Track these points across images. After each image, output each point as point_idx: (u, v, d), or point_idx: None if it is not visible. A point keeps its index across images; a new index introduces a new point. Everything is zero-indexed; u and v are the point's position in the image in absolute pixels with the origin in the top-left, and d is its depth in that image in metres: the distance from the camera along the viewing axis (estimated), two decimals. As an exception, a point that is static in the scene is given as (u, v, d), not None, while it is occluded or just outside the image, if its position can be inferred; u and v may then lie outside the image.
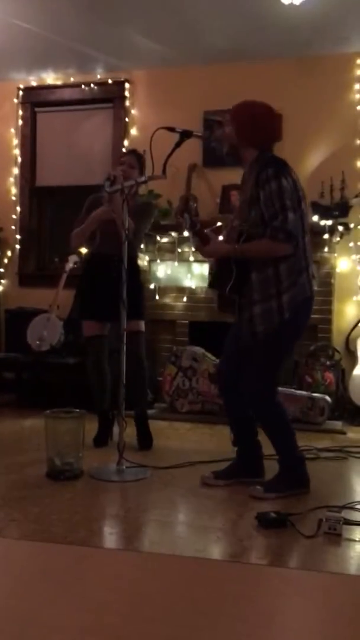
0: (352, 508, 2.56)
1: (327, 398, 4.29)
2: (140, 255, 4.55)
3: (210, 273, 3.06)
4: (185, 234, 4.68)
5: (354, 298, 4.75)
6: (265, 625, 1.67)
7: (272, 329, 2.72)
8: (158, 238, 4.88)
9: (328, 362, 4.51)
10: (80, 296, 3.79)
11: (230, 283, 2.79)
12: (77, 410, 3.05)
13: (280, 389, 4.16)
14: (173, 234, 4.83)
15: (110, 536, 2.30)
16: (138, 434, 3.57)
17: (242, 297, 2.81)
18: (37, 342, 4.63)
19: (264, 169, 2.70)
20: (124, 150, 5.05)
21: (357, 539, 2.28)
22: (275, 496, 2.70)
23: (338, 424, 4.26)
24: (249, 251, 2.75)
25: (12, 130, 5.57)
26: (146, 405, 3.67)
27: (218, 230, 3.10)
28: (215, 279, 2.95)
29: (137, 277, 3.65)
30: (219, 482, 2.89)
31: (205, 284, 4.71)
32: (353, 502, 2.63)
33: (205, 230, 2.94)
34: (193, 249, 4.75)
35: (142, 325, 3.60)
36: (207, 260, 4.62)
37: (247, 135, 2.80)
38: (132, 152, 3.75)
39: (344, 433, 4.11)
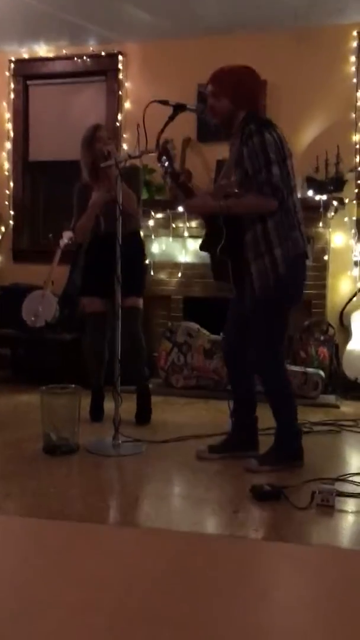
0: (345, 480, 2.60)
1: (321, 372, 4.32)
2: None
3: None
4: (180, 209, 4.65)
5: (348, 273, 4.75)
6: (259, 599, 1.70)
7: (268, 286, 2.71)
8: (152, 213, 4.86)
9: (322, 337, 4.53)
10: (84, 273, 3.78)
11: (220, 244, 2.77)
12: (73, 385, 3.07)
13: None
14: (168, 210, 4.81)
15: (106, 510, 2.33)
16: (136, 409, 3.61)
17: (236, 259, 2.79)
18: (32, 318, 4.63)
19: (246, 125, 2.68)
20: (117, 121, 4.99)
21: (349, 511, 2.32)
22: (270, 469, 2.73)
23: (332, 398, 4.30)
24: (234, 207, 2.72)
25: (4, 104, 5.49)
26: (143, 382, 3.68)
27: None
28: (206, 241, 2.91)
29: (139, 253, 3.63)
30: (213, 455, 2.92)
31: (199, 260, 4.72)
32: (346, 475, 2.66)
33: (195, 188, 2.88)
34: (187, 225, 4.73)
35: (139, 302, 3.59)
36: (201, 236, 4.61)
37: (236, 96, 2.77)
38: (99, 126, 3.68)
39: (337, 407, 4.15)
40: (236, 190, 2.77)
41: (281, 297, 2.76)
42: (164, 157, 2.79)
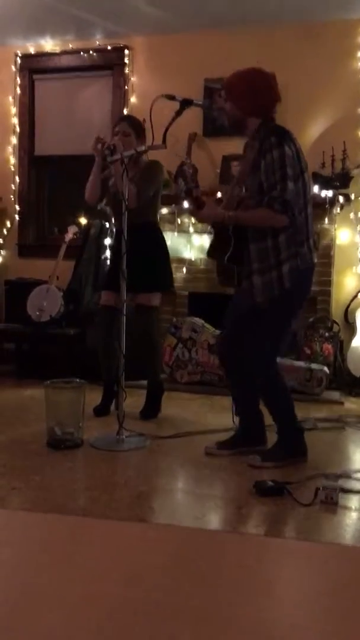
0: (348, 477, 2.60)
1: (325, 369, 4.31)
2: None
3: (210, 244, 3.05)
4: (186, 205, 4.65)
5: (354, 270, 4.74)
6: (262, 595, 1.71)
7: (272, 299, 2.73)
8: (159, 206, 4.84)
9: (327, 334, 4.52)
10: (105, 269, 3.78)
11: (228, 253, 2.78)
12: (77, 380, 3.08)
13: (279, 359, 4.22)
14: (173, 205, 4.80)
15: (110, 504, 2.33)
16: (145, 404, 3.62)
17: (241, 267, 2.81)
18: (37, 313, 4.64)
19: (267, 137, 2.67)
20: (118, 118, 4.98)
21: (353, 507, 2.32)
22: (273, 465, 2.74)
23: (336, 395, 4.30)
24: (244, 219, 2.74)
25: (10, 98, 5.49)
26: (153, 380, 3.67)
27: (218, 202, 3.08)
28: (214, 248, 2.94)
29: (151, 247, 3.54)
30: (222, 452, 2.92)
31: (204, 255, 4.71)
32: (349, 471, 2.66)
33: (205, 198, 2.92)
34: (193, 220, 4.72)
35: (153, 299, 3.54)
36: (207, 231, 4.61)
37: (248, 106, 2.76)
38: (124, 118, 3.67)
39: (341, 403, 4.15)
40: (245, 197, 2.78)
41: (282, 309, 2.78)
42: (181, 180, 2.84)
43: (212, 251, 2.96)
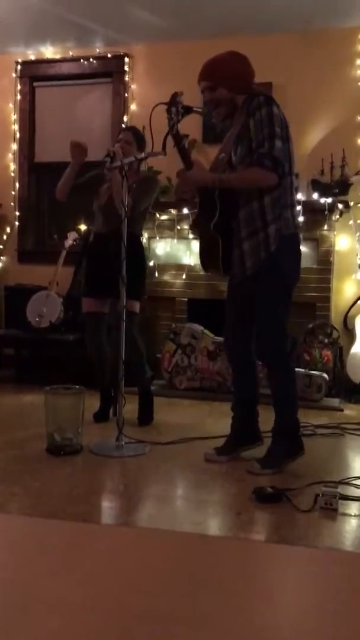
0: (347, 483, 2.60)
1: (325, 375, 4.32)
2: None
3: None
4: (185, 210, 4.66)
5: (353, 276, 4.75)
6: (262, 601, 1.70)
7: (260, 263, 2.68)
8: (157, 215, 4.87)
9: (326, 340, 4.53)
10: (84, 274, 3.80)
11: (214, 219, 2.73)
12: (77, 386, 3.08)
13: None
14: (172, 211, 4.82)
15: (109, 510, 2.33)
16: (138, 411, 3.62)
17: (228, 237, 2.76)
18: (37, 319, 4.65)
19: (255, 98, 2.68)
20: (123, 125, 5.01)
21: (352, 514, 2.32)
22: (273, 472, 2.73)
23: (335, 401, 4.30)
24: (233, 180, 2.70)
25: (11, 105, 5.51)
26: (142, 384, 3.68)
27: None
28: (199, 218, 2.87)
29: (135, 256, 3.56)
30: (221, 458, 2.91)
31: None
32: (349, 478, 2.66)
33: (194, 159, 2.83)
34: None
35: (134, 306, 3.55)
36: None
37: (238, 84, 2.78)
38: (129, 128, 3.73)
39: (340, 410, 4.15)
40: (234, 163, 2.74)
41: (273, 274, 2.71)
42: (173, 109, 2.75)
43: (197, 222, 2.88)
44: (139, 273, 3.61)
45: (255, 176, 2.63)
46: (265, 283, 2.72)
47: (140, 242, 3.72)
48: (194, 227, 2.93)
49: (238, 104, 2.80)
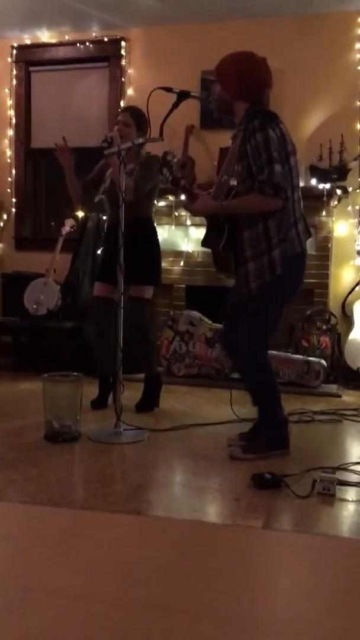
0: (345, 469, 2.61)
1: (323, 362, 4.32)
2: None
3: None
4: (183, 197, 4.63)
5: (351, 262, 4.74)
6: (261, 587, 1.71)
7: (264, 285, 2.70)
8: (155, 202, 4.83)
9: (324, 327, 4.52)
10: (100, 259, 3.82)
11: (222, 241, 2.77)
12: (75, 373, 3.08)
13: (276, 352, 4.23)
14: (170, 197, 4.79)
15: (108, 497, 2.34)
16: (142, 397, 3.63)
17: (236, 254, 2.80)
18: (34, 306, 4.64)
19: (250, 122, 2.65)
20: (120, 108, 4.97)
21: (350, 500, 2.33)
22: (255, 457, 2.73)
23: (333, 388, 4.30)
24: (237, 207, 2.72)
25: (6, 90, 5.46)
26: (149, 373, 3.67)
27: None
28: (208, 237, 2.92)
29: (145, 241, 3.55)
30: (248, 456, 2.79)
31: (201, 248, 4.71)
32: (347, 464, 2.67)
33: (197, 191, 2.90)
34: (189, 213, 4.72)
35: (145, 292, 3.55)
36: (203, 224, 4.60)
37: (236, 89, 2.74)
38: (127, 109, 3.67)
39: (339, 396, 4.15)
40: (232, 184, 2.77)
41: (273, 295, 2.75)
42: (165, 170, 2.81)
43: (207, 241, 2.94)
44: (151, 257, 3.58)
45: (258, 203, 2.65)
46: (262, 297, 2.74)
47: (152, 226, 3.66)
48: (204, 245, 2.98)
49: (235, 110, 2.78)
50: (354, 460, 2.74)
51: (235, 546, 1.99)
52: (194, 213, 2.96)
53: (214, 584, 1.69)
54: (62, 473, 2.55)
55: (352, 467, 2.63)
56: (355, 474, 2.57)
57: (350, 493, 2.38)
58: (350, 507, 2.27)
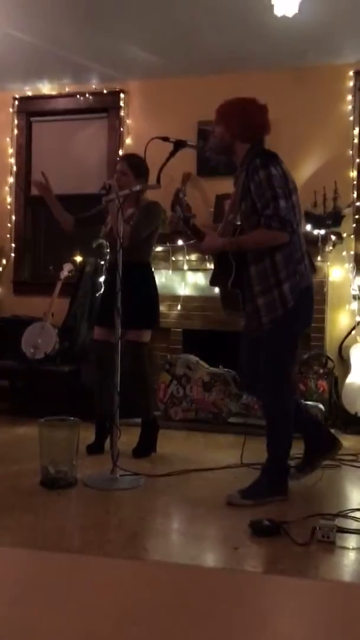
0: (345, 516, 2.57)
1: (321, 406, 4.30)
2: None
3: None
4: (180, 242, 4.70)
5: (347, 307, 4.77)
6: (260, 633, 1.67)
7: (276, 319, 2.72)
8: (153, 247, 4.89)
9: (321, 371, 4.52)
10: (99, 302, 3.87)
11: (231, 278, 2.80)
12: (72, 418, 3.06)
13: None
14: (167, 243, 4.85)
15: (104, 544, 2.30)
16: (138, 442, 3.60)
17: (244, 290, 2.82)
18: (32, 350, 4.64)
19: (252, 160, 2.72)
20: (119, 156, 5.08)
21: (350, 547, 2.29)
22: (252, 503, 2.69)
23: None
24: (245, 243, 2.75)
25: (8, 139, 5.59)
26: (146, 418, 3.65)
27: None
28: (216, 275, 2.95)
29: (142, 285, 3.59)
30: (300, 475, 2.93)
31: (198, 292, 4.75)
32: (346, 510, 2.64)
33: (205, 229, 2.94)
34: (187, 257, 4.78)
35: (142, 336, 3.56)
36: (200, 269, 4.65)
37: (238, 131, 2.81)
38: (124, 158, 3.75)
39: (337, 441, 4.11)
40: (238, 223, 2.82)
41: (287, 328, 2.76)
42: (177, 207, 2.86)
43: (215, 279, 2.98)
44: (148, 301, 3.62)
45: (266, 237, 2.69)
46: (277, 331, 2.75)
47: (149, 270, 3.69)
48: (212, 284, 3.02)
49: (236, 151, 2.85)
50: (354, 506, 2.70)
51: (233, 590, 1.95)
52: (203, 251, 2.99)
53: (213, 627, 1.66)
54: (58, 520, 2.51)
55: (351, 514, 2.60)
56: (355, 520, 2.54)
57: (351, 540, 2.34)
58: (351, 555, 2.24)
